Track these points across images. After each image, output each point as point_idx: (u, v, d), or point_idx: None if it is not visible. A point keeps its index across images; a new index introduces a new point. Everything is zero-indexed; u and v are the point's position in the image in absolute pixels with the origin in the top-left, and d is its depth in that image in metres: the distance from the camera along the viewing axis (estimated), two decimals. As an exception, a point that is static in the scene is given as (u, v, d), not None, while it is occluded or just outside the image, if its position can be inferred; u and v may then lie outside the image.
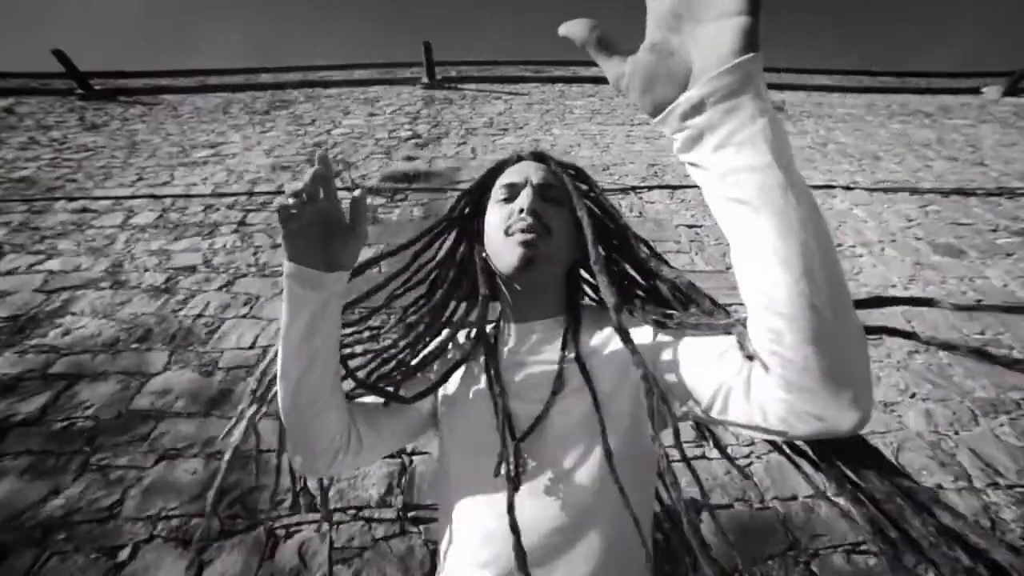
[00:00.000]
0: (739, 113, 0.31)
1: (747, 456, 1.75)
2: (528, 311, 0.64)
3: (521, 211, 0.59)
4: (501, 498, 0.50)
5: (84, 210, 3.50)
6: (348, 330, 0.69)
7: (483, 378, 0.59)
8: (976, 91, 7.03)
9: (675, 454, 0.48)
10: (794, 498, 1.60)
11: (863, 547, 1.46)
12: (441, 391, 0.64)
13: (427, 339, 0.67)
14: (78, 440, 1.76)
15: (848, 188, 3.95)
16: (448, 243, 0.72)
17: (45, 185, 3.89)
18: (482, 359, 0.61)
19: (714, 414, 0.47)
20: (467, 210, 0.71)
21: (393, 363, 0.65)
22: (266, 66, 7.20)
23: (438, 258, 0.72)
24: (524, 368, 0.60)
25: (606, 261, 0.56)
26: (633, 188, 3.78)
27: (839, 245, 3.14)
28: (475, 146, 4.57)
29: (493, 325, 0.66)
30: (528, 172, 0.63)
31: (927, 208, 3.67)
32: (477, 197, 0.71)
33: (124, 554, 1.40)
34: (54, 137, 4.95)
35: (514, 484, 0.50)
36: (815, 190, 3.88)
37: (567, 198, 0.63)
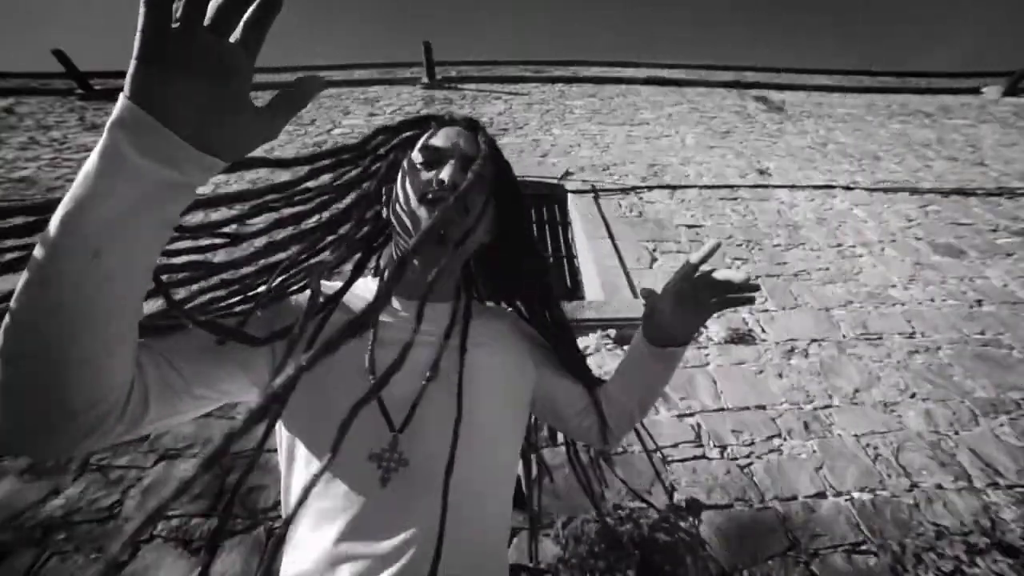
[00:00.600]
0: (661, 363, 0.65)
1: (747, 456, 1.75)
2: (417, 288, 0.56)
3: (442, 182, 0.54)
4: (366, 486, 0.47)
5: (84, 210, 3.50)
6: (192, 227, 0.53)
7: (354, 350, 0.52)
8: (976, 91, 7.03)
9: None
10: (794, 498, 1.60)
11: (863, 547, 1.46)
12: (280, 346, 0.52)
13: (291, 271, 0.58)
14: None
15: (848, 188, 3.94)
16: (351, 175, 0.64)
17: (45, 185, 3.89)
18: (355, 328, 0.49)
19: (551, 421, 0.73)
20: (382, 151, 0.64)
21: (235, 289, 0.55)
22: (266, 66, 7.20)
23: (334, 184, 0.63)
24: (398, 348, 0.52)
25: (511, 259, 0.61)
26: (633, 188, 3.78)
27: (839, 245, 3.15)
28: (475, 146, 4.57)
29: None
30: (458, 140, 0.59)
31: (927, 208, 3.67)
32: (396, 144, 0.64)
33: (124, 554, 1.40)
34: (54, 137, 4.95)
35: (382, 478, 0.48)
36: (815, 190, 3.88)
37: (491, 183, 0.60)
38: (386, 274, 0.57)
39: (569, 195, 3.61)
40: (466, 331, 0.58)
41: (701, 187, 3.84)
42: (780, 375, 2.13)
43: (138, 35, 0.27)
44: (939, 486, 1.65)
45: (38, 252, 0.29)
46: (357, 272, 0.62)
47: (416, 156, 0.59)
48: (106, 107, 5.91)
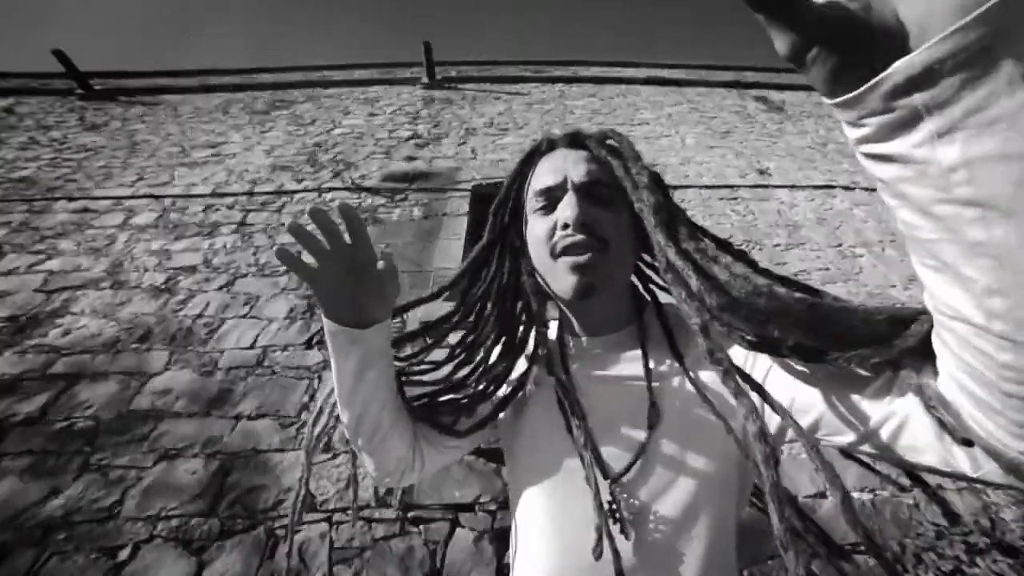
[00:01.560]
0: (988, 82, 0.21)
1: (747, 456, 1.75)
2: (595, 327, 0.56)
3: (566, 226, 0.49)
4: (587, 539, 0.43)
5: (84, 210, 3.50)
6: (405, 355, 0.65)
7: (553, 403, 0.51)
8: (976, 91, 7.02)
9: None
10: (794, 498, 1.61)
11: (863, 547, 1.46)
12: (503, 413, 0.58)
13: (484, 370, 0.59)
14: (78, 440, 1.76)
15: (848, 188, 3.94)
16: (491, 268, 0.60)
17: (45, 185, 3.89)
18: (548, 380, 0.53)
19: (870, 448, 0.38)
20: (505, 220, 0.59)
21: (452, 393, 0.60)
22: (266, 66, 7.20)
23: (482, 289, 0.60)
24: (602, 389, 0.52)
25: (680, 263, 0.44)
26: (633, 188, 3.78)
27: (839, 245, 3.15)
28: (475, 146, 4.57)
29: (555, 338, 0.58)
30: (567, 168, 0.52)
31: (927, 208, 3.67)
32: (513, 203, 0.58)
33: (124, 554, 1.40)
34: (54, 137, 4.95)
35: (607, 528, 0.43)
36: (815, 190, 3.88)
37: (620, 191, 0.51)
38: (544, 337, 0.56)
39: (569, 195, 3.61)
40: (653, 356, 0.52)
41: (701, 187, 3.84)
42: (780, 375, 2.13)
43: (319, 299, 0.48)
44: (939, 486, 1.65)
45: (338, 403, 0.53)
46: (542, 342, 0.56)
47: (532, 202, 0.54)
48: (106, 107, 5.91)
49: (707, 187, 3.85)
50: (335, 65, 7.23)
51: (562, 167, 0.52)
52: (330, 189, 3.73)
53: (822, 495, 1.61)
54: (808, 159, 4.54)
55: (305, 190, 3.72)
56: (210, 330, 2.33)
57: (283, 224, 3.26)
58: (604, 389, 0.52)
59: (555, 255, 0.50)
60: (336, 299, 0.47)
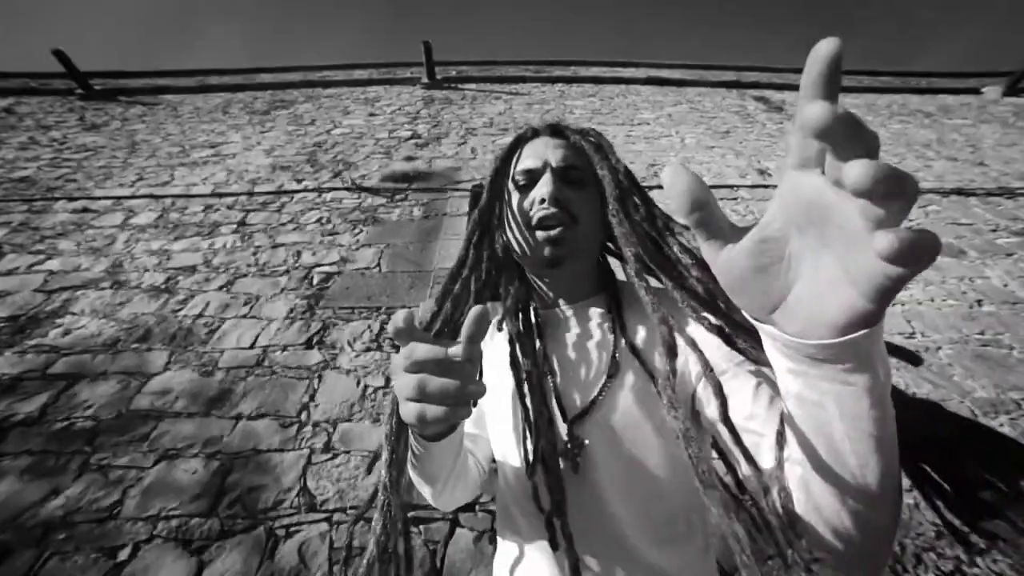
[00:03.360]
0: (837, 384, 0.27)
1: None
2: (565, 295, 0.62)
3: (543, 201, 0.55)
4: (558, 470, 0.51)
5: (84, 210, 3.50)
6: None
7: (523, 364, 0.54)
8: (976, 91, 7.03)
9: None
10: (794, 498, 1.60)
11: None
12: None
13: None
14: (78, 440, 1.76)
15: (848, 188, 3.94)
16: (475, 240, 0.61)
17: (45, 185, 3.89)
18: (517, 346, 0.55)
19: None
20: (488, 198, 0.63)
21: None
22: (266, 66, 7.20)
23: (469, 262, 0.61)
24: (570, 350, 0.57)
25: (635, 235, 0.53)
26: (633, 188, 3.78)
27: (839, 245, 3.15)
28: (475, 146, 4.57)
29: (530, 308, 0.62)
30: (546, 153, 0.58)
31: (927, 208, 3.67)
32: (497, 184, 0.62)
33: (124, 554, 1.40)
34: (54, 137, 4.95)
35: (572, 466, 0.50)
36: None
37: (592, 174, 0.58)
38: (517, 301, 0.60)
39: (569, 195, 3.61)
40: (624, 324, 0.56)
41: (701, 187, 3.84)
42: (780, 375, 2.13)
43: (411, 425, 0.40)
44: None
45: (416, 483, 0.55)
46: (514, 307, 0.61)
47: (511, 186, 0.60)
48: (106, 107, 5.91)
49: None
50: (335, 65, 7.23)
51: (543, 152, 0.59)
52: (330, 189, 3.73)
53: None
54: (808, 159, 4.54)
55: (305, 190, 3.72)
56: (210, 330, 2.33)
57: (283, 224, 3.26)
58: (567, 347, 0.58)
59: (531, 227, 0.56)
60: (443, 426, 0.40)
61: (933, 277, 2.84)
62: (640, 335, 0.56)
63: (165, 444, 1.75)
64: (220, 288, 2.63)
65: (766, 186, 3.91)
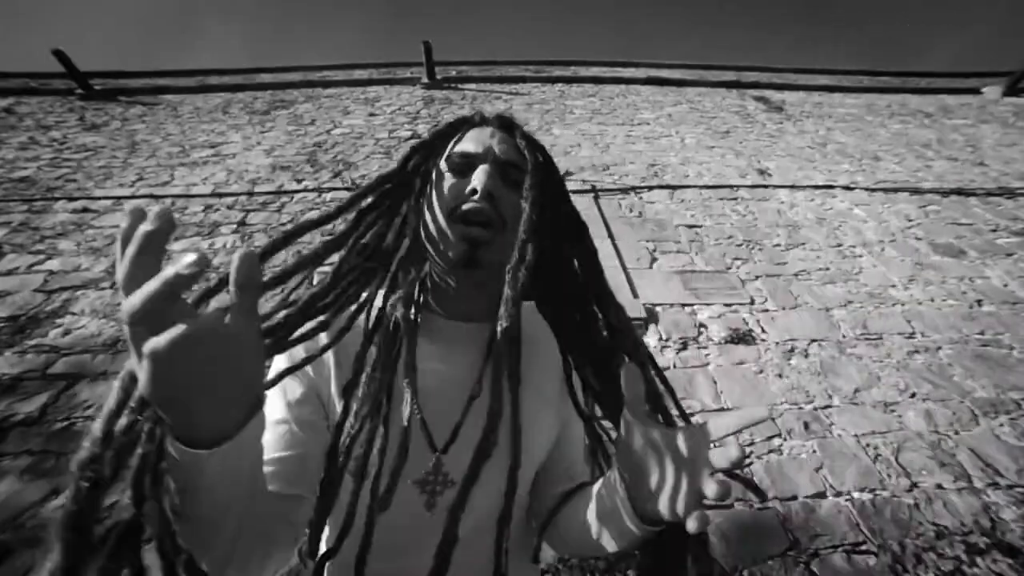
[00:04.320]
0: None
1: (747, 456, 1.75)
2: (454, 308, 0.54)
3: (474, 192, 0.48)
4: (412, 511, 0.48)
5: (84, 210, 3.50)
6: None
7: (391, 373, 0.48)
8: (976, 91, 7.03)
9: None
10: (794, 498, 1.60)
11: (863, 547, 1.46)
12: (334, 370, 0.51)
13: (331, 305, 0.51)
14: (78, 440, 1.76)
15: (848, 188, 3.94)
16: (394, 202, 0.55)
17: (45, 185, 3.89)
18: (390, 350, 0.49)
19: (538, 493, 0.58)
20: (413, 165, 0.55)
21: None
22: (266, 66, 7.20)
23: (378, 217, 0.54)
24: (437, 371, 0.51)
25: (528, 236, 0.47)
26: (633, 188, 3.78)
27: (839, 245, 3.15)
28: (475, 146, 4.57)
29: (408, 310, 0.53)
30: (491, 142, 0.52)
31: (927, 208, 3.67)
32: (427, 155, 0.56)
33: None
34: (54, 137, 4.95)
35: (427, 503, 0.49)
36: (815, 190, 3.88)
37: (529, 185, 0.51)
38: (410, 298, 0.52)
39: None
40: (517, 358, 0.49)
41: (701, 187, 3.84)
42: (780, 375, 2.13)
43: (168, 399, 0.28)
44: (939, 486, 1.65)
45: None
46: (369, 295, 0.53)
47: (443, 165, 0.52)
48: (106, 107, 5.91)
49: (707, 187, 3.85)
50: (335, 65, 7.23)
51: (488, 141, 0.52)
52: (330, 189, 3.73)
53: (821, 495, 1.61)
54: (808, 159, 4.54)
55: (305, 190, 3.72)
56: (210, 330, 2.33)
57: (283, 224, 3.26)
58: (439, 367, 0.51)
59: (453, 217, 0.49)
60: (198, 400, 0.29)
61: (933, 277, 2.84)
62: (532, 383, 0.51)
63: (165, 444, 1.75)
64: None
65: (766, 186, 3.91)
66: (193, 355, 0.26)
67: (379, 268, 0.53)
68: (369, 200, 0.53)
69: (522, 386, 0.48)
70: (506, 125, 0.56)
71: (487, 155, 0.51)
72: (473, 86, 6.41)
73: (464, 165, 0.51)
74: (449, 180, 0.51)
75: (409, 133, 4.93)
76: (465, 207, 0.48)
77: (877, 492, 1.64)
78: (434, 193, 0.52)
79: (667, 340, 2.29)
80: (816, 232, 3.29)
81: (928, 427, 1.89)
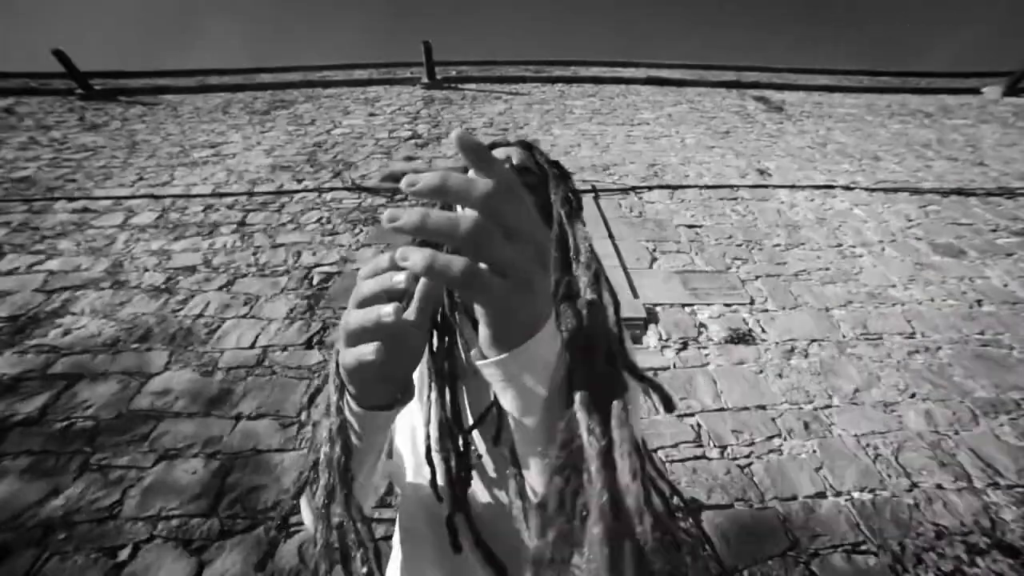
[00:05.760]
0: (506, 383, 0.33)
1: (747, 456, 1.74)
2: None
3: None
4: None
5: (84, 210, 3.50)
6: None
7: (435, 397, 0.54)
8: (976, 91, 7.03)
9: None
10: (794, 498, 1.60)
11: (863, 547, 1.46)
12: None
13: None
14: (78, 440, 1.76)
15: (848, 188, 3.94)
16: None
17: (45, 185, 3.89)
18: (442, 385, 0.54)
19: None
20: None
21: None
22: (266, 66, 7.20)
23: None
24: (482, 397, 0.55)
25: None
26: (633, 188, 3.78)
27: (839, 245, 3.15)
28: (475, 146, 4.57)
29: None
30: (508, 151, 0.56)
31: (927, 208, 3.67)
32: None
33: (124, 554, 1.40)
34: (54, 137, 4.95)
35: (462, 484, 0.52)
36: (815, 190, 3.88)
37: (543, 186, 0.52)
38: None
39: (569, 195, 3.61)
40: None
41: (701, 187, 3.84)
42: (780, 375, 2.13)
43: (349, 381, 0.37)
44: (939, 486, 1.65)
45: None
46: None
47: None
48: (106, 107, 5.91)
49: (707, 187, 3.85)
50: (335, 65, 7.23)
51: (505, 151, 0.57)
52: (330, 189, 3.73)
53: (821, 495, 1.61)
54: (808, 159, 4.54)
55: (305, 190, 3.72)
56: (210, 330, 2.33)
57: (283, 224, 3.26)
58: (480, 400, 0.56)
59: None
60: (387, 382, 0.38)
61: (933, 277, 2.84)
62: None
63: (165, 444, 1.75)
64: (220, 288, 2.63)
65: (766, 186, 3.91)
66: (389, 352, 0.33)
67: None
68: None
69: None
70: (526, 146, 0.60)
71: (507, 159, 0.56)
72: (473, 86, 6.41)
73: None
74: None
75: (409, 133, 4.93)
76: None
77: (877, 492, 1.64)
78: None
79: (667, 340, 2.29)
80: (816, 232, 3.29)
81: (928, 427, 1.89)
